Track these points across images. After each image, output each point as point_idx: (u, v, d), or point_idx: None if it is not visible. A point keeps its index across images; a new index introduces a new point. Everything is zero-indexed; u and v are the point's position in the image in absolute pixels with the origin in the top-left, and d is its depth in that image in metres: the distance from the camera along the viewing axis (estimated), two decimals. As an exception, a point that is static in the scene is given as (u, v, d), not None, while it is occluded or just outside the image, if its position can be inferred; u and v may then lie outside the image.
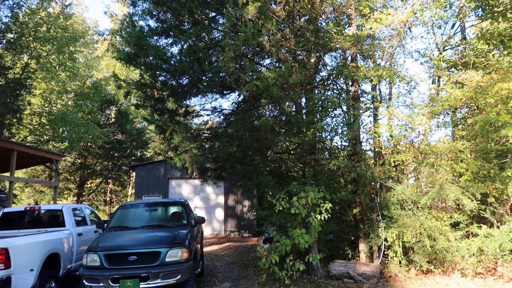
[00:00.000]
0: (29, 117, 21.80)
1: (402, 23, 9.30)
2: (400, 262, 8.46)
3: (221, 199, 20.00)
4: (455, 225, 8.35)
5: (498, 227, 7.88)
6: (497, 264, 7.88)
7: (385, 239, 8.65)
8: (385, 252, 8.90)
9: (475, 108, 9.34)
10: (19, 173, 26.72)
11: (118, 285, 5.86)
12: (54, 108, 23.32)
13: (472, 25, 12.21)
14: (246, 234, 18.56)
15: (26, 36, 19.09)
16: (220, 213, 19.94)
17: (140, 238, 6.72)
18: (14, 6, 18.52)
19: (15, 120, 19.61)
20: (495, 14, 8.81)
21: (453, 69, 10.17)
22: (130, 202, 9.39)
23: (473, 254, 7.82)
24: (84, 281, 5.98)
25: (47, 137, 22.39)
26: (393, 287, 7.78)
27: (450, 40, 11.35)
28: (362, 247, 9.55)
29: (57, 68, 21.64)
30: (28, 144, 19.90)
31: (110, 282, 5.89)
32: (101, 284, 5.90)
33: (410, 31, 10.62)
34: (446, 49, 11.41)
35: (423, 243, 7.95)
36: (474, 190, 7.93)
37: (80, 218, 8.89)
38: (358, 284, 8.07)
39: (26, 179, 24.18)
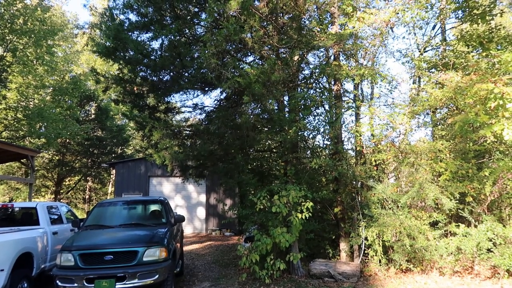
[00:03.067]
0: (4, 112, 21.09)
1: (384, 23, 9.35)
2: (380, 261, 8.51)
3: (202, 197, 19.81)
4: (434, 224, 8.45)
5: (475, 226, 8.00)
6: (474, 262, 8.00)
7: (366, 238, 8.69)
8: (366, 251, 8.94)
9: (455, 108, 9.47)
10: (-7, 170, 25.94)
11: (93, 285, 5.68)
12: (30, 103, 22.63)
13: (453, 27, 12.41)
14: (228, 233, 18.45)
15: (2, 28, 18.41)
16: (201, 212, 19.76)
17: (117, 237, 6.53)
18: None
19: (-12, 115, 18.98)
20: (475, 16, 8.96)
21: (433, 69, 10.30)
22: (108, 199, 9.17)
23: (451, 253, 7.93)
24: (57, 281, 5.78)
25: (23, 133, 21.71)
26: (372, 286, 7.81)
27: (431, 41, 11.50)
28: (343, 246, 9.57)
29: (34, 62, 20.97)
30: (3, 139, 19.26)
31: (85, 283, 5.70)
32: (76, 285, 5.71)
33: (392, 31, 10.72)
34: (427, 50, 11.56)
35: (402, 242, 8.01)
36: (452, 189, 8.04)
37: (55, 217, 8.64)
38: (338, 283, 8.07)
39: (0, 176, 23.49)
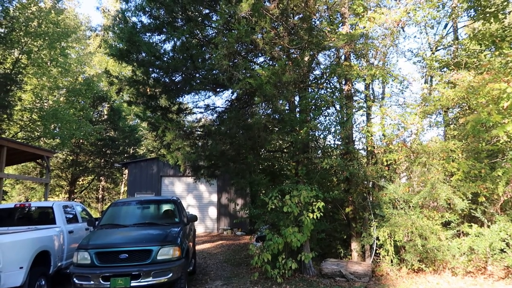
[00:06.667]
0: (20, 113, 21.53)
1: (395, 22, 9.32)
2: (391, 261, 8.51)
3: (214, 197, 19.96)
4: (446, 224, 8.42)
5: (488, 226, 7.95)
6: (487, 263, 7.96)
7: (377, 238, 8.70)
8: (377, 251, 8.94)
9: (467, 108, 9.41)
10: (9, 170, 26.38)
11: (109, 283, 5.82)
12: (45, 104, 23.05)
13: (465, 26, 12.29)
14: (239, 233, 18.56)
15: (17, 30, 18.80)
16: (213, 211, 19.91)
17: (132, 236, 6.66)
18: (4, 0, 18.25)
19: (5, 116, 19.35)
20: (487, 15, 8.87)
21: (445, 69, 10.23)
22: (122, 199, 9.33)
23: (464, 253, 7.90)
24: (74, 279, 5.93)
25: (38, 134, 22.14)
26: (384, 286, 7.82)
27: (442, 40, 11.42)
28: (354, 246, 9.59)
29: (48, 63, 21.39)
30: (19, 140, 19.67)
31: (101, 280, 5.84)
32: (92, 282, 5.85)
33: (403, 30, 10.66)
34: (439, 49, 11.48)
35: (414, 242, 8.00)
36: (465, 189, 8.00)
37: (71, 216, 8.81)
38: (350, 282, 8.10)
39: (17, 175, 23.94)
